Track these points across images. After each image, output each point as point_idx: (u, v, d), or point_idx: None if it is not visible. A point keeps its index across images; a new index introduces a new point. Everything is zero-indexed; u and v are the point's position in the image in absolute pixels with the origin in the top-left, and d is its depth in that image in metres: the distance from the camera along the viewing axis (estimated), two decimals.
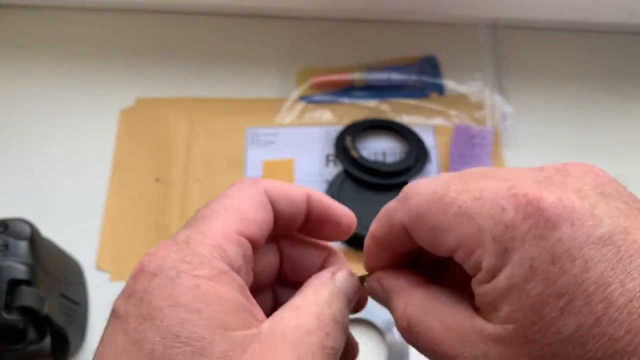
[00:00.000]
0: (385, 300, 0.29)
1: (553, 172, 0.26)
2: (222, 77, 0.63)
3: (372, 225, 0.28)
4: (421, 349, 0.26)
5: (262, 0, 0.64)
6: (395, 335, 0.51)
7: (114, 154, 0.59)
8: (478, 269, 0.23)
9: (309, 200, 0.30)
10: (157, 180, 0.58)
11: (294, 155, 0.58)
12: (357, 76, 0.62)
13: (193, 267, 0.24)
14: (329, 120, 0.60)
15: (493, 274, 0.23)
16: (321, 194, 0.30)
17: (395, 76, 0.62)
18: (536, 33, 0.65)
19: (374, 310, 0.52)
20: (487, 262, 0.23)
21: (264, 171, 0.58)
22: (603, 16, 0.63)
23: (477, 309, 0.24)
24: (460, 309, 0.25)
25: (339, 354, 0.27)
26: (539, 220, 0.22)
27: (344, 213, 0.31)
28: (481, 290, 0.23)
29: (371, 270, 0.30)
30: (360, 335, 0.52)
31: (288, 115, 0.61)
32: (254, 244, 0.27)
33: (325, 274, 0.29)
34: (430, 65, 0.63)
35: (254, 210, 0.27)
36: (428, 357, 0.26)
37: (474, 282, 0.24)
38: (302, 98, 0.61)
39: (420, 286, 0.27)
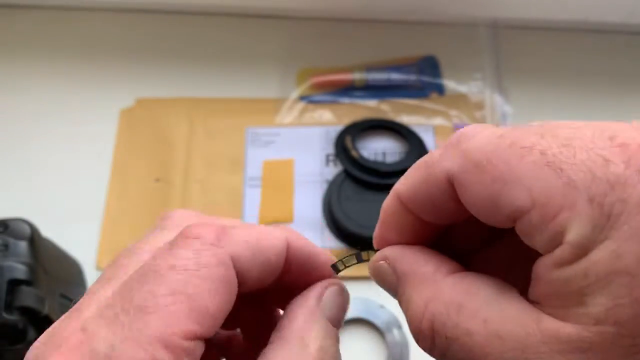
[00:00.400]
0: (394, 288, 0.22)
1: None
2: (222, 77, 0.63)
3: (399, 181, 0.22)
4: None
5: (262, 0, 0.64)
6: (395, 335, 0.51)
7: (114, 154, 0.59)
8: (558, 242, 0.17)
9: (288, 251, 0.23)
10: (157, 180, 0.58)
11: (294, 155, 0.58)
12: (357, 76, 0.62)
13: None
14: (329, 120, 0.60)
15: (584, 249, 0.16)
16: (302, 239, 0.24)
17: (395, 76, 0.62)
18: (536, 33, 0.65)
19: (374, 310, 0.52)
20: (576, 232, 0.16)
21: (264, 171, 0.58)
22: (603, 16, 0.63)
23: (538, 304, 0.18)
24: (515, 304, 0.18)
25: None
26: None
27: (325, 260, 0.25)
28: (559, 274, 0.17)
29: (382, 246, 0.23)
30: (360, 335, 0.52)
31: (288, 115, 0.61)
32: (207, 340, 0.20)
33: (309, 303, 0.23)
34: (430, 65, 0.63)
35: (212, 295, 0.20)
36: None
37: (544, 263, 0.17)
38: (302, 98, 0.61)
39: (450, 274, 0.20)
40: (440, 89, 0.62)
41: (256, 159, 0.58)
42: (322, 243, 0.55)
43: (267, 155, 0.59)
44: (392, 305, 0.52)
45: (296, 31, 0.65)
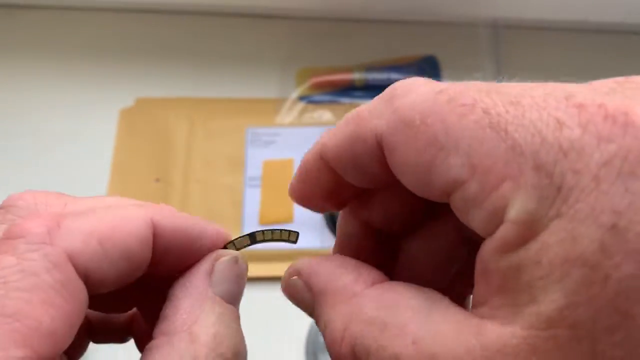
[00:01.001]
0: (310, 307, 0.19)
1: (614, 85, 0.17)
2: (222, 77, 0.63)
3: (324, 135, 0.20)
4: None
5: (262, 0, 0.64)
6: None
7: (114, 154, 0.59)
8: (499, 219, 0.14)
9: (158, 235, 0.19)
10: (157, 180, 0.58)
11: (293, 155, 0.58)
12: (357, 76, 0.62)
13: None
14: (328, 120, 0.60)
15: (532, 229, 0.13)
16: (176, 217, 0.19)
17: (395, 76, 0.62)
18: (536, 33, 0.65)
19: None
20: (520, 207, 0.13)
21: (264, 171, 0.58)
22: (603, 16, 0.63)
23: (483, 305, 0.14)
24: (449, 316, 0.15)
25: None
26: (630, 149, 0.13)
27: (212, 235, 0.20)
28: (504, 262, 0.14)
29: (303, 205, 0.20)
30: None
31: (288, 115, 0.61)
32: (56, 356, 0.16)
33: (198, 283, 0.19)
34: (430, 65, 0.63)
35: (45, 308, 0.16)
36: None
37: (486, 249, 0.14)
38: (301, 98, 0.61)
39: (371, 285, 0.17)
40: None
41: (256, 159, 0.58)
42: (322, 243, 0.55)
43: (267, 155, 0.59)
44: None
45: (296, 31, 0.65)
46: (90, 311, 0.21)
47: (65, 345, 0.16)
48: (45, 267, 0.16)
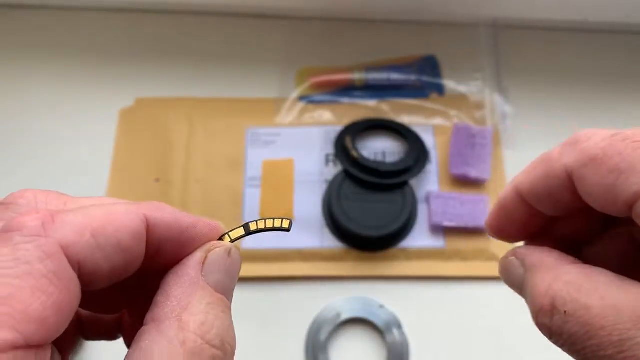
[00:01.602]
0: (519, 280, 0.24)
1: None
2: (222, 77, 0.63)
3: (517, 177, 0.25)
4: (567, 337, 0.20)
5: (262, 0, 0.64)
6: (395, 335, 0.51)
7: (114, 154, 0.59)
8: None
9: (150, 229, 0.20)
10: (157, 180, 0.58)
11: (293, 155, 0.58)
12: (357, 76, 0.62)
13: None
14: (328, 120, 0.60)
15: None
16: (169, 213, 0.20)
17: (395, 76, 0.62)
18: (536, 33, 0.65)
19: (374, 310, 0.52)
20: None
21: (264, 171, 0.58)
22: (602, 16, 0.63)
23: None
24: (629, 285, 0.20)
25: None
26: None
27: (204, 230, 0.21)
28: None
29: (499, 237, 0.26)
30: (360, 335, 0.52)
31: (288, 115, 0.61)
32: (46, 344, 0.17)
33: (189, 271, 0.20)
34: (430, 65, 0.63)
35: (37, 296, 0.17)
36: (575, 350, 0.20)
37: None
38: (301, 98, 0.61)
39: (571, 263, 0.22)
40: (440, 89, 0.62)
41: (256, 159, 0.58)
42: (321, 243, 0.55)
43: (267, 155, 0.59)
44: (392, 305, 0.52)
45: (296, 31, 0.65)
46: (81, 310, 0.21)
47: (56, 334, 0.17)
48: (38, 256, 0.17)
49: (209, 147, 0.59)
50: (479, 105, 0.61)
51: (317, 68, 0.63)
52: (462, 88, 0.62)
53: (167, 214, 0.20)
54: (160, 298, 0.19)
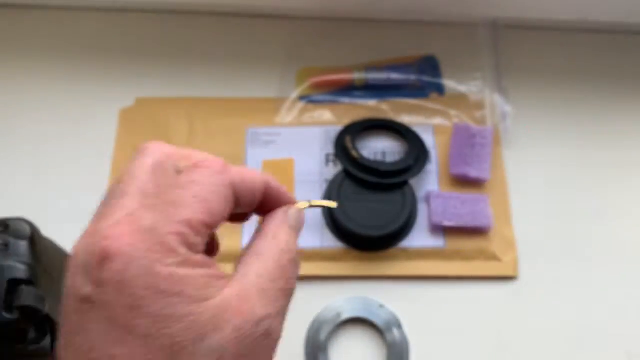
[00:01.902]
0: None
1: None
2: (222, 77, 0.63)
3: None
4: None
5: (262, 0, 0.64)
6: (395, 334, 0.51)
7: (114, 154, 0.59)
8: None
9: (265, 190, 0.32)
10: None
11: (293, 155, 0.58)
12: (356, 76, 0.62)
13: (163, 256, 0.25)
14: (328, 120, 0.60)
15: None
16: (277, 184, 0.33)
17: (395, 76, 0.62)
18: (536, 33, 0.65)
19: (374, 309, 0.52)
20: None
21: (264, 171, 0.58)
22: (602, 16, 0.63)
23: None
24: None
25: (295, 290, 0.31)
26: None
27: (291, 199, 0.34)
28: None
29: None
30: (360, 335, 0.52)
31: (288, 115, 0.61)
32: (213, 231, 0.29)
33: (279, 215, 0.32)
34: (430, 65, 0.63)
35: (220, 204, 0.29)
36: None
37: None
38: (301, 98, 0.61)
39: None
40: (440, 89, 0.62)
41: (256, 159, 0.58)
42: (321, 243, 0.55)
43: (267, 155, 0.59)
44: (392, 305, 0.52)
45: (296, 31, 0.65)
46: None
47: (217, 225, 0.29)
48: (221, 184, 0.29)
49: (209, 147, 0.59)
50: (479, 105, 0.61)
51: (317, 68, 0.63)
52: (462, 88, 0.62)
53: (274, 183, 0.32)
54: (262, 226, 0.32)
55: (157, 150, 0.30)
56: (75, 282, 0.26)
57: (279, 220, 0.32)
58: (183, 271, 0.26)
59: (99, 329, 0.25)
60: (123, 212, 0.27)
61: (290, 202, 0.33)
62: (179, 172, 0.29)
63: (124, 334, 0.25)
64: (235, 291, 0.27)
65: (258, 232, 0.32)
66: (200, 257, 0.27)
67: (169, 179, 0.29)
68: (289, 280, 0.30)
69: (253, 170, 0.32)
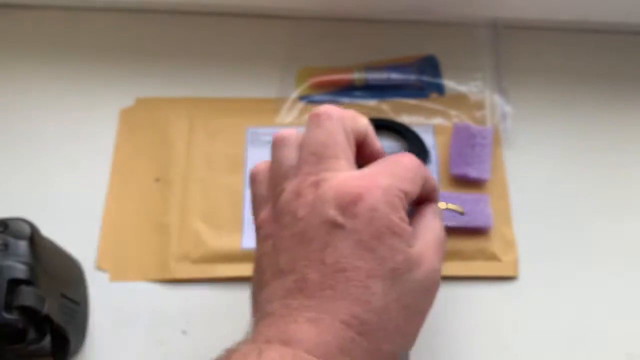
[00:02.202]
0: None
1: None
2: (222, 77, 0.63)
3: None
4: None
5: (262, 0, 0.64)
6: None
7: (114, 154, 0.59)
8: None
9: (365, 138, 0.42)
10: (157, 180, 0.58)
11: None
12: (357, 76, 0.62)
13: (393, 210, 0.36)
14: None
15: None
16: (432, 180, 0.42)
17: (395, 76, 0.62)
18: (536, 33, 0.65)
19: None
20: None
21: None
22: (603, 16, 0.63)
23: None
24: None
25: None
26: None
27: (437, 194, 0.43)
28: None
29: None
30: None
31: (288, 115, 0.61)
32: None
33: (433, 208, 0.42)
34: (430, 65, 0.63)
35: (349, 146, 0.40)
36: None
37: None
38: (301, 98, 0.61)
39: None
40: (440, 89, 0.62)
41: (256, 159, 0.58)
42: None
43: (267, 155, 0.58)
44: None
45: (296, 31, 0.65)
46: None
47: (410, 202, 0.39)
48: (342, 130, 0.40)
49: (209, 147, 0.59)
50: (479, 105, 0.61)
51: (317, 68, 0.63)
52: (462, 88, 0.62)
53: (431, 181, 0.42)
54: (421, 211, 0.41)
55: (338, 116, 0.40)
56: (328, 212, 0.35)
57: (431, 212, 0.41)
58: (403, 225, 0.36)
59: (348, 247, 0.34)
60: (345, 171, 0.37)
61: (434, 199, 0.43)
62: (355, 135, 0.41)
63: (367, 253, 0.34)
64: (423, 246, 0.37)
65: (416, 216, 0.41)
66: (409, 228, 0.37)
67: (352, 146, 0.40)
68: (443, 246, 0.40)
69: (357, 117, 0.43)
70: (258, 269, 0.38)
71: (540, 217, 0.56)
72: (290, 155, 0.40)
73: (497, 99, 0.61)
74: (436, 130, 0.60)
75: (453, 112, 0.60)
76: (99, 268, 0.54)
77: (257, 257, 0.39)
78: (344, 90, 0.62)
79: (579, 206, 0.57)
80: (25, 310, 0.40)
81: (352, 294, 0.34)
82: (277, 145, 0.41)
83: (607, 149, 0.59)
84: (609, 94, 0.62)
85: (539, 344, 0.51)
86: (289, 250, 0.36)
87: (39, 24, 0.66)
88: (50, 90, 0.63)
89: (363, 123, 0.42)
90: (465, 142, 0.58)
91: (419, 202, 0.41)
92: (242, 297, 0.53)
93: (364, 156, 0.41)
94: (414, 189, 0.38)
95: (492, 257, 0.54)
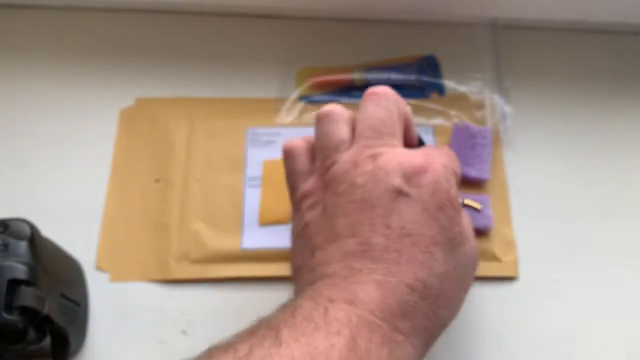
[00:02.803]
0: None
1: None
2: (222, 77, 0.63)
3: None
4: None
5: (262, 0, 0.64)
6: None
7: (114, 154, 0.59)
8: None
9: (408, 123, 0.44)
10: (157, 180, 0.58)
11: None
12: (357, 76, 0.62)
13: (451, 186, 0.39)
14: None
15: None
16: (413, 124, 0.45)
17: (395, 76, 0.62)
18: (536, 33, 0.65)
19: None
20: None
21: (264, 171, 0.58)
22: (603, 16, 0.63)
23: None
24: None
25: None
26: None
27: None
28: None
29: None
30: None
31: (288, 115, 0.61)
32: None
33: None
34: (430, 65, 0.63)
35: (402, 128, 0.43)
36: None
37: None
38: (301, 98, 0.61)
39: None
40: (440, 89, 0.62)
41: (256, 159, 0.58)
42: None
43: (267, 155, 0.59)
44: None
45: (296, 31, 0.65)
46: None
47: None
48: (397, 110, 0.43)
49: (209, 147, 0.59)
50: (479, 105, 0.61)
51: (317, 68, 0.63)
52: (462, 88, 0.62)
53: (410, 121, 0.45)
54: None
55: (394, 98, 0.43)
56: (394, 181, 0.37)
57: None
58: (459, 200, 0.39)
59: (414, 213, 0.37)
60: (399, 149, 0.40)
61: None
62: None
63: (432, 221, 0.37)
64: (466, 225, 0.40)
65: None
66: None
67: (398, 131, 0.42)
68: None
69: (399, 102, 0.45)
70: (304, 237, 0.40)
71: (540, 217, 0.56)
72: (341, 130, 0.41)
73: (497, 99, 0.61)
74: (436, 130, 0.60)
75: (453, 112, 0.60)
76: (99, 268, 0.54)
77: (303, 227, 0.40)
78: (344, 91, 0.62)
79: (579, 206, 0.57)
80: (25, 311, 0.40)
81: (417, 259, 0.35)
82: (324, 120, 0.42)
83: (607, 149, 0.59)
84: (609, 94, 0.62)
85: (539, 344, 0.51)
86: (348, 215, 0.37)
87: (39, 24, 0.66)
88: (50, 91, 0.63)
89: (409, 109, 0.44)
90: (465, 142, 0.58)
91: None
92: (242, 297, 0.53)
93: (404, 140, 0.43)
94: (460, 173, 0.41)
95: (492, 258, 0.54)
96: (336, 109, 0.43)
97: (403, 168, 0.38)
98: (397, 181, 0.37)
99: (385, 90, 0.42)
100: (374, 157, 0.39)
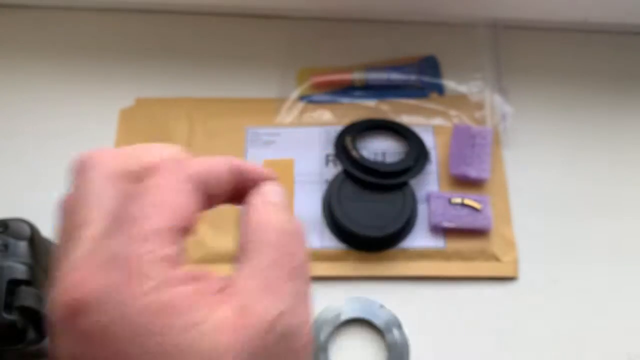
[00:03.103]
0: None
1: None
2: (222, 77, 0.63)
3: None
4: None
5: (262, 0, 0.64)
6: (395, 335, 0.51)
7: None
8: None
9: (232, 169, 0.28)
10: None
11: (293, 155, 0.58)
12: (357, 76, 0.62)
13: (136, 286, 0.22)
14: (328, 120, 0.60)
15: None
16: (241, 161, 0.30)
17: (395, 76, 0.62)
18: (536, 33, 0.65)
19: (374, 310, 0.52)
20: None
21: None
22: (603, 16, 0.63)
23: None
24: None
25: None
26: None
27: (265, 175, 0.31)
28: None
29: None
30: (360, 335, 0.52)
31: (288, 115, 0.61)
32: (190, 233, 0.25)
33: (254, 198, 0.28)
34: (430, 65, 0.63)
35: (187, 202, 0.25)
36: None
37: None
38: (301, 98, 0.61)
39: None
40: (440, 89, 0.62)
41: (256, 159, 0.58)
42: (321, 243, 0.55)
43: (267, 155, 0.59)
44: (392, 305, 0.52)
45: (296, 31, 0.65)
46: None
47: (193, 227, 0.25)
48: (182, 179, 0.25)
49: (209, 147, 0.59)
50: (479, 105, 0.61)
51: (317, 68, 0.63)
52: (462, 88, 0.62)
53: (237, 160, 0.30)
54: (242, 216, 0.27)
55: (104, 160, 0.26)
56: (61, 343, 0.23)
57: (256, 201, 0.28)
58: (164, 296, 0.22)
59: None
60: (85, 245, 0.24)
61: (261, 176, 0.30)
62: (135, 178, 0.26)
63: None
64: (233, 302, 0.23)
65: (241, 223, 0.27)
66: (184, 272, 0.23)
67: (123, 190, 0.25)
68: (293, 257, 0.25)
69: (216, 156, 0.28)
70: None
71: (540, 217, 0.56)
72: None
73: (497, 99, 0.61)
74: (436, 130, 0.60)
75: (453, 113, 0.60)
76: None
77: None
78: (344, 90, 0.62)
79: (578, 206, 0.57)
80: (25, 311, 0.40)
81: None
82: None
83: (607, 148, 0.59)
84: (609, 93, 0.62)
85: (539, 344, 0.51)
86: None
87: (39, 24, 0.66)
88: (50, 91, 0.63)
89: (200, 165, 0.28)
90: (465, 142, 0.58)
91: (242, 194, 0.29)
92: None
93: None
94: (181, 212, 0.25)
95: (492, 258, 0.54)
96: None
97: (60, 314, 0.23)
98: (63, 341, 0.23)
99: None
100: None
